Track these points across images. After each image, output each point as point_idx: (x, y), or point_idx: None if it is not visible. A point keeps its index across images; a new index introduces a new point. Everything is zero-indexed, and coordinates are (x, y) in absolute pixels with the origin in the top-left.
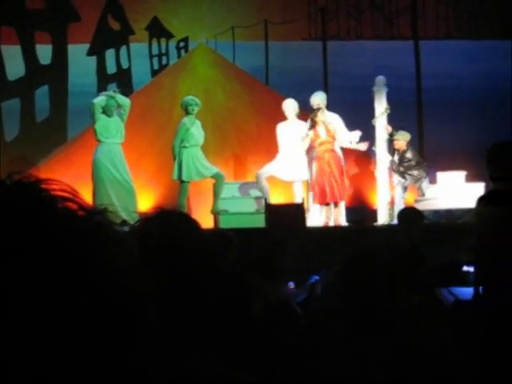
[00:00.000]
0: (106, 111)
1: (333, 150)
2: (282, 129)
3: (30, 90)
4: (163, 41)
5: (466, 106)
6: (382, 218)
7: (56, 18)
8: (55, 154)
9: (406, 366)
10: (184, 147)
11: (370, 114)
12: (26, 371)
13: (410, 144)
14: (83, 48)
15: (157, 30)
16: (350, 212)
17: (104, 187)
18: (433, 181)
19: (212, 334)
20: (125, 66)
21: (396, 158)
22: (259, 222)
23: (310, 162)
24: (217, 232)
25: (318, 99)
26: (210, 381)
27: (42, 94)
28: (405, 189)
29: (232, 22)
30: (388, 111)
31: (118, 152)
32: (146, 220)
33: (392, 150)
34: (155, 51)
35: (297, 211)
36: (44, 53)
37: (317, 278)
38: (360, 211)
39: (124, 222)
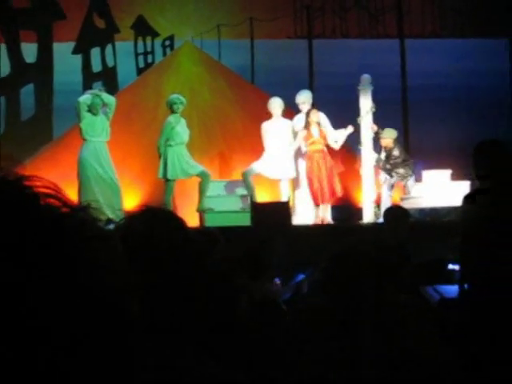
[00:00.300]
0: (91, 109)
1: (323, 151)
2: (267, 127)
3: (16, 89)
4: (149, 39)
5: (452, 105)
6: (368, 217)
7: (41, 17)
8: (41, 152)
9: (392, 363)
10: (169, 146)
11: (356, 112)
12: (10, 371)
13: (396, 141)
14: (69, 46)
15: (142, 29)
16: (336, 210)
17: (90, 185)
18: (418, 179)
19: (199, 333)
20: (110, 64)
21: (383, 155)
22: (245, 220)
23: (298, 160)
24: (202, 230)
25: (304, 97)
26: (200, 381)
27: (28, 92)
28: (391, 187)
29: (218, 20)
30: (373, 110)
31: (104, 150)
32: (131, 218)
33: (379, 147)
34: (141, 49)
35: (282, 209)
36: (29, 51)
37: (303, 276)
38: (345, 210)
39: (109, 220)
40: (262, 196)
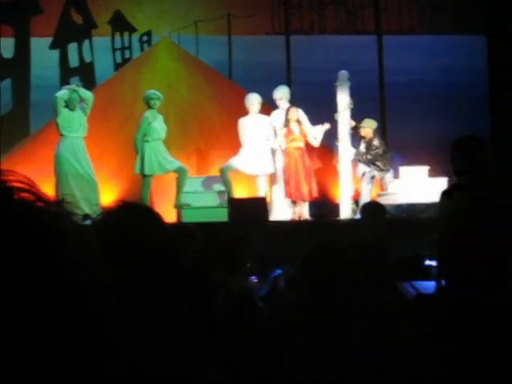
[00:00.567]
0: (68, 105)
1: (302, 149)
2: (244, 123)
3: None
4: (126, 34)
5: (429, 101)
6: (345, 213)
7: (18, 11)
8: (18, 147)
9: (368, 360)
10: (146, 141)
11: (333, 108)
12: None
13: (376, 132)
14: (46, 41)
15: (119, 24)
16: (313, 206)
17: (66, 181)
18: (395, 175)
19: (176, 328)
20: (87, 59)
21: (363, 146)
22: (222, 215)
23: (275, 156)
24: (180, 225)
25: (281, 93)
26: (177, 375)
27: (5, 87)
28: (371, 179)
29: (195, 16)
30: (351, 106)
31: (81, 146)
32: (108, 213)
33: (358, 139)
34: (118, 45)
35: (260, 205)
36: (6, 46)
37: (279, 271)
38: (322, 206)
39: (87, 216)
40: (240, 192)
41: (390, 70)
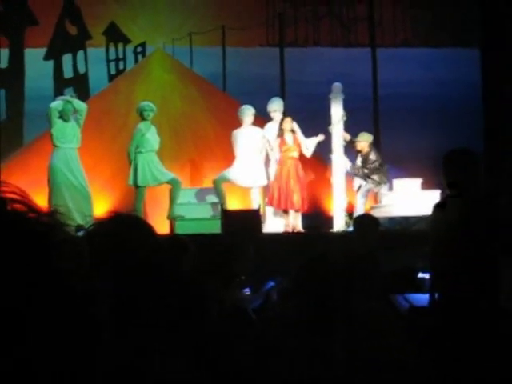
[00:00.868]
0: (62, 116)
1: (295, 159)
2: (237, 135)
3: None
4: (120, 46)
5: (423, 114)
6: (338, 225)
7: (13, 22)
8: (11, 158)
9: (362, 372)
10: (139, 152)
11: (327, 121)
12: None
13: (372, 145)
14: (40, 52)
15: (114, 35)
16: (306, 218)
17: (60, 192)
18: (390, 187)
19: (168, 339)
20: (82, 70)
21: (359, 160)
22: (215, 227)
23: (268, 168)
24: (172, 237)
25: (275, 106)
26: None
27: None
28: (366, 193)
29: (190, 28)
30: (344, 118)
31: (74, 157)
32: (100, 224)
33: (355, 153)
34: (112, 56)
35: (253, 217)
36: (1, 56)
37: (272, 284)
38: (316, 218)
39: (80, 227)
40: (233, 204)
41: (383, 82)
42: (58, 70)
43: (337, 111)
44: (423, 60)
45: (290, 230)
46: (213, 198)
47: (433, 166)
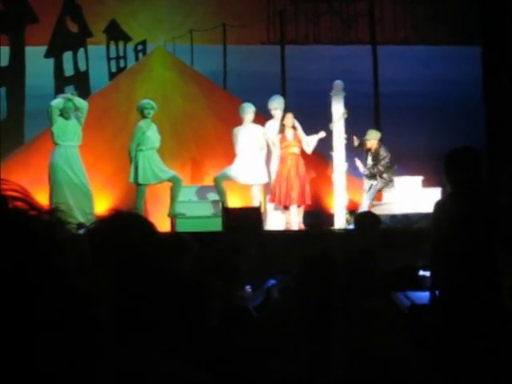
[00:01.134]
0: (63, 114)
1: (296, 155)
2: (238, 133)
3: None
4: (121, 43)
5: (424, 112)
6: (339, 223)
7: (14, 20)
8: (12, 156)
9: (362, 370)
10: (140, 150)
11: (328, 118)
12: None
13: (381, 142)
14: (41, 50)
15: (115, 33)
16: (307, 216)
17: (61, 190)
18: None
19: (170, 337)
20: (82, 68)
21: (369, 159)
22: (216, 225)
23: (270, 165)
24: (173, 235)
25: (276, 103)
26: (169, 381)
27: None
28: (375, 196)
29: (190, 25)
30: (345, 116)
31: (75, 155)
32: (101, 221)
33: (365, 153)
34: (113, 54)
35: (254, 214)
36: (1, 54)
37: (273, 281)
38: (317, 215)
39: (81, 225)
40: (234, 201)
41: (384, 80)
42: (59, 67)
43: (338, 109)
44: (424, 57)
45: (291, 227)
46: (214, 196)
47: (433, 164)
